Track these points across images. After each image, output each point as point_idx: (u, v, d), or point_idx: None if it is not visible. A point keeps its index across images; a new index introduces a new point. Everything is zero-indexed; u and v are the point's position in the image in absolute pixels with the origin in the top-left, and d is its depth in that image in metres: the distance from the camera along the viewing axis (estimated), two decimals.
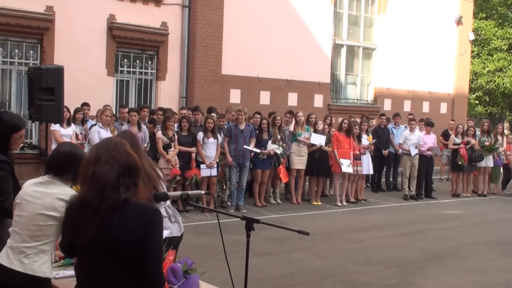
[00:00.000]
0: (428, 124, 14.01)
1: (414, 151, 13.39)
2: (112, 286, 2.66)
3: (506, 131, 15.44)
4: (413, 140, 13.39)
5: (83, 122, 10.99)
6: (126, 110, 11.07)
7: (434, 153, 13.96)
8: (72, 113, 10.72)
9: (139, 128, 10.35)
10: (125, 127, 10.40)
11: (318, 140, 12.10)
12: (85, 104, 11.28)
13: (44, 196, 3.36)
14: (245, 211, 10.84)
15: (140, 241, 2.61)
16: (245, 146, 10.94)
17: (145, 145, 10.39)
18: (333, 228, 10.08)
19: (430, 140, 13.77)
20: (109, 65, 13.10)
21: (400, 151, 14.04)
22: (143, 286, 2.65)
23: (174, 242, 4.49)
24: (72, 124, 10.32)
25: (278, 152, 11.52)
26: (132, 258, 2.62)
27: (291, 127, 12.25)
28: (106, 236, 2.60)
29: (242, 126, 11.21)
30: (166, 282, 3.37)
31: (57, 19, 12.24)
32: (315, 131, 12.28)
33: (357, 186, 12.91)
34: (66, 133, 10.14)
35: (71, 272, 3.61)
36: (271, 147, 11.43)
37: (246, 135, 11.15)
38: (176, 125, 10.97)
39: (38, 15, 11.97)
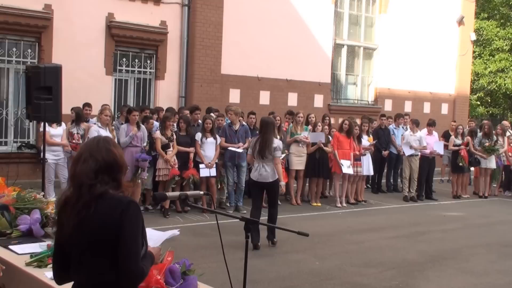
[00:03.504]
0: (430, 125, 13.96)
1: (408, 152, 13.33)
2: (93, 278, 2.68)
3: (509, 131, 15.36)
4: (411, 140, 13.31)
5: (79, 121, 10.84)
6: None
7: (437, 153, 13.89)
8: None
9: (138, 128, 10.26)
10: (124, 126, 10.31)
11: (317, 138, 12.04)
12: (87, 105, 11.18)
13: None
14: (244, 212, 10.76)
15: (114, 233, 2.61)
16: (229, 148, 10.86)
17: (144, 144, 10.31)
18: (332, 229, 10.01)
19: (432, 140, 13.71)
20: (107, 64, 13.03)
21: (403, 151, 13.94)
22: (118, 279, 2.65)
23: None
24: (63, 123, 10.16)
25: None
26: (109, 250, 2.63)
27: (293, 128, 12.19)
28: (83, 229, 2.65)
29: (236, 126, 11.14)
30: (164, 283, 3.32)
31: (55, 17, 12.17)
32: (313, 130, 12.22)
33: (357, 187, 12.83)
34: (56, 133, 9.99)
35: None
36: None
37: (241, 135, 11.08)
38: (175, 124, 10.90)
39: (36, 14, 11.90)
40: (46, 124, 9.06)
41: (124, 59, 13.54)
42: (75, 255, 2.72)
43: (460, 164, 14.03)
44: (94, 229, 2.63)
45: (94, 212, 2.63)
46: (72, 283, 2.80)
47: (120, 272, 2.62)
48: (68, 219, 2.68)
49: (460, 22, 20.00)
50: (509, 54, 25.95)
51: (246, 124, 11.59)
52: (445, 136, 15.58)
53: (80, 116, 10.59)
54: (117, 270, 2.62)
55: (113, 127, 10.37)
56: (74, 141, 10.48)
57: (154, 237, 3.40)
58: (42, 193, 5.42)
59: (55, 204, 2.91)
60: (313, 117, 12.70)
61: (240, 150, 10.91)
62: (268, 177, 8.06)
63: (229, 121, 11.58)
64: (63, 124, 10.09)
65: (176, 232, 3.58)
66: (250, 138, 11.22)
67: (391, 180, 14.85)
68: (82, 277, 2.71)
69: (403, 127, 14.66)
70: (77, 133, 10.56)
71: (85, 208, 2.63)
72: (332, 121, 13.90)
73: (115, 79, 13.43)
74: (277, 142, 8.17)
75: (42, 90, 7.94)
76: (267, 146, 8.03)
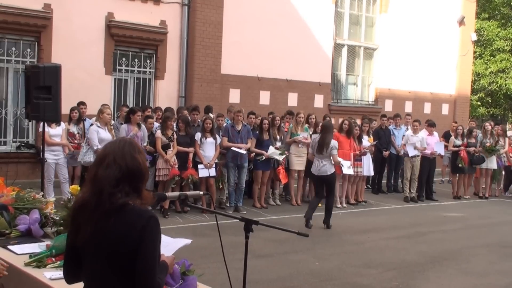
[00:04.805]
0: (430, 125, 13.91)
1: (412, 152, 13.30)
2: None
3: (509, 132, 15.30)
4: (414, 141, 13.28)
5: (79, 121, 10.84)
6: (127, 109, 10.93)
7: (438, 153, 13.86)
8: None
9: (139, 127, 10.24)
10: (124, 126, 10.28)
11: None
12: (82, 103, 11.14)
13: None
14: (244, 212, 10.74)
15: (132, 248, 2.56)
16: (232, 148, 10.84)
17: (145, 144, 10.29)
18: (332, 230, 9.99)
19: (433, 141, 13.68)
20: (107, 64, 13.00)
21: (402, 152, 13.90)
22: None
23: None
24: (62, 123, 10.12)
25: (280, 159, 11.43)
26: (125, 264, 2.58)
27: (293, 129, 12.17)
28: (101, 240, 2.60)
29: (239, 127, 11.12)
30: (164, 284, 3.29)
31: (55, 17, 12.15)
32: (315, 131, 12.18)
33: (358, 187, 12.79)
34: (55, 133, 9.93)
35: None
36: (272, 151, 11.28)
37: (243, 135, 11.06)
38: (174, 125, 10.86)
39: (36, 13, 11.88)
40: (45, 124, 9.03)
41: (123, 59, 13.52)
42: (88, 262, 2.68)
43: (460, 165, 13.99)
44: (111, 241, 2.57)
45: (113, 223, 2.57)
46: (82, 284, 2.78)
47: (137, 287, 2.59)
48: (85, 224, 2.61)
49: (461, 22, 19.98)
50: (510, 55, 25.90)
51: (247, 124, 11.56)
52: (446, 137, 15.55)
53: (81, 115, 10.63)
54: (132, 283, 2.58)
55: (112, 126, 10.33)
56: (76, 141, 10.46)
57: (165, 243, 3.35)
58: (41, 193, 5.40)
59: (72, 206, 2.82)
60: (313, 118, 12.68)
61: (243, 152, 10.89)
62: (326, 171, 9.84)
63: (229, 121, 11.56)
64: (62, 124, 10.04)
65: (188, 241, 3.55)
66: (252, 138, 11.22)
67: (392, 181, 14.82)
68: (94, 286, 2.67)
69: (405, 127, 14.61)
70: (78, 133, 10.54)
71: (104, 218, 2.57)
72: (333, 121, 13.85)
73: (115, 79, 13.40)
74: (333, 143, 9.90)
75: (42, 89, 7.92)
76: (325, 145, 9.71)
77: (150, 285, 2.59)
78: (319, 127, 10.80)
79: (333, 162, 9.98)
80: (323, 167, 9.84)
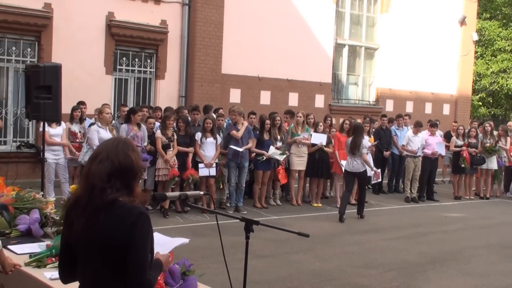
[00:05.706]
0: (432, 125, 13.88)
1: (420, 152, 13.30)
2: (99, 286, 2.65)
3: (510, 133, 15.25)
4: (416, 141, 13.26)
5: (81, 120, 10.83)
6: (127, 109, 10.93)
7: (439, 154, 13.82)
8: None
9: (139, 127, 10.22)
10: (124, 126, 10.26)
11: (319, 139, 11.97)
12: (81, 103, 11.11)
13: None
14: (245, 212, 10.72)
15: (123, 243, 2.57)
16: (230, 146, 10.82)
17: (145, 143, 10.27)
18: (333, 230, 9.97)
19: (434, 141, 13.65)
20: (107, 63, 13.00)
21: (405, 152, 13.83)
22: None
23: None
24: (63, 123, 10.10)
25: (280, 159, 11.41)
26: (117, 260, 2.59)
27: (294, 129, 12.14)
28: (92, 236, 2.61)
29: (239, 127, 11.10)
30: (164, 284, 3.31)
31: (55, 16, 12.15)
32: (315, 130, 12.15)
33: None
34: (55, 132, 9.91)
35: None
36: (272, 151, 11.26)
37: (244, 135, 11.04)
38: (174, 124, 10.84)
39: (36, 12, 11.88)
40: (46, 123, 9.01)
41: (124, 58, 13.51)
42: (81, 259, 2.69)
43: (462, 165, 13.95)
44: (102, 237, 2.59)
45: (103, 220, 2.58)
46: (78, 284, 2.77)
47: (127, 283, 2.59)
48: (77, 220, 2.63)
49: (462, 22, 19.96)
50: (511, 55, 25.90)
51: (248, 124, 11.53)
52: (447, 137, 15.52)
53: (82, 115, 10.64)
54: (123, 280, 2.59)
55: (112, 126, 10.32)
56: (77, 140, 10.44)
57: (162, 242, 3.35)
58: (42, 192, 5.39)
59: (66, 203, 2.84)
60: (312, 118, 12.60)
61: (241, 149, 10.87)
62: (358, 168, 10.73)
63: (229, 121, 11.54)
64: (62, 123, 10.02)
65: (186, 240, 3.54)
66: (253, 138, 11.19)
67: (393, 181, 14.77)
68: (88, 283, 2.68)
69: (406, 128, 14.57)
70: (80, 132, 10.53)
71: (95, 214, 2.59)
72: (333, 121, 13.84)
73: (115, 79, 13.40)
74: (364, 142, 10.76)
75: (42, 89, 7.92)
76: (357, 145, 10.55)
77: (141, 281, 2.59)
78: (351, 129, 11.28)
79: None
80: (356, 164, 10.70)
